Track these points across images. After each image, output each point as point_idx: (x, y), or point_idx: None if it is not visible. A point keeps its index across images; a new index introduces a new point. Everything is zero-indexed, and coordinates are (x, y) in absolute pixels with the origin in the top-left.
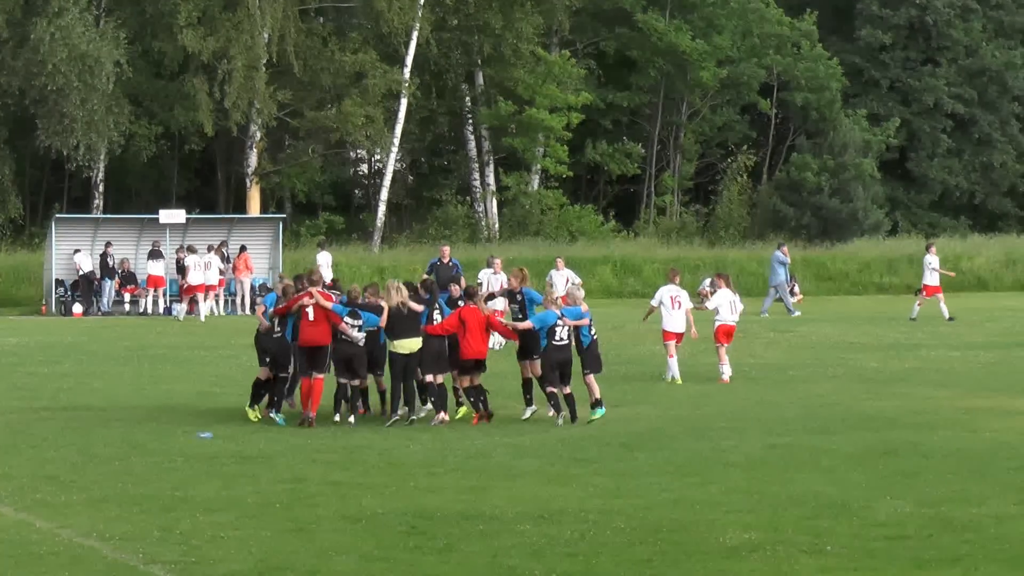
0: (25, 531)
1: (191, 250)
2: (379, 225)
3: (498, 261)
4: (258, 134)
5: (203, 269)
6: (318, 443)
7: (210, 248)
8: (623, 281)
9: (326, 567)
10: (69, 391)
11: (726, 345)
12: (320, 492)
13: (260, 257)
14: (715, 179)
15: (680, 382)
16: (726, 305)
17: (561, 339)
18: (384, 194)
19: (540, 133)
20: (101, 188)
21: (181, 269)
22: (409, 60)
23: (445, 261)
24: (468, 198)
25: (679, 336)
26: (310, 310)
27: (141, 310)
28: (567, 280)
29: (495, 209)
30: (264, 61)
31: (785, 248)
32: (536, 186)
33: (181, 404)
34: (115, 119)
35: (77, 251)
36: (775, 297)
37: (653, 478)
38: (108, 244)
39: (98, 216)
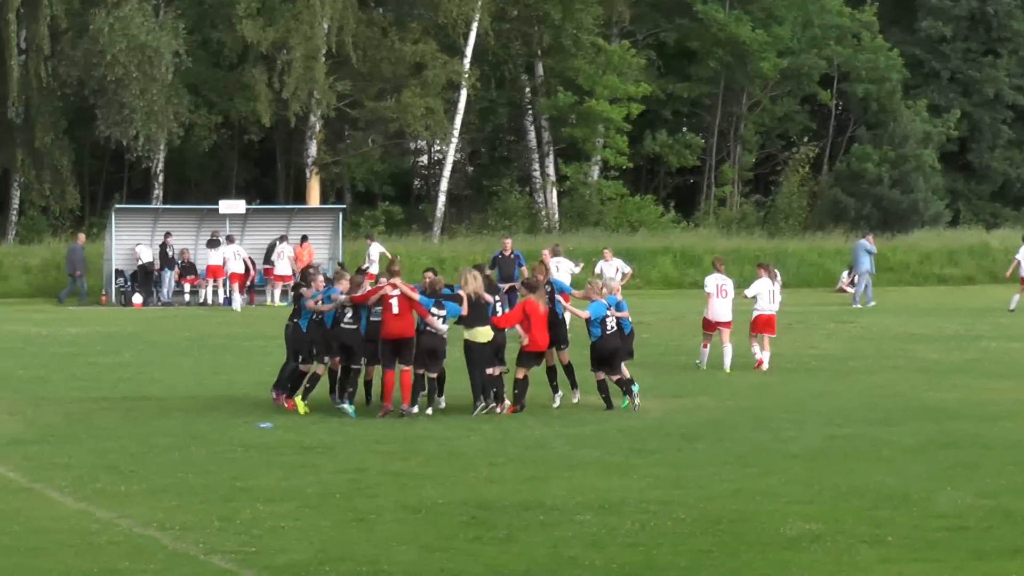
0: (85, 521)
1: (230, 240)
2: (439, 216)
3: (561, 249)
4: (317, 124)
5: (240, 259)
6: (378, 433)
7: (229, 240)
8: (683, 272)
9: (386, 557)
10: (129, 381)
11: (766, 335)
12: (380, 482)
13: (320, 247)
14: (775, 170)
15: (704, 368)
16: (765, 294)
17: (611, 328)
18: (444, 184)
19: (600, 124)
20: (161, 178)
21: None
22: (469, 51)
23: (507, 254)
24: (528, 188)
25: (726, 324)
26: (394, 302)
27: (201, 300)
28: (616, 270)
29: (555, 199)
30: (323, 51)
31: (871, 236)
32: (596, 176)
33: (241, 394)
34: (174, 109)
35: (139, 244)
36: (865, 284)
37: (713, 469)
38: (167, 234)
39: (158, 206)
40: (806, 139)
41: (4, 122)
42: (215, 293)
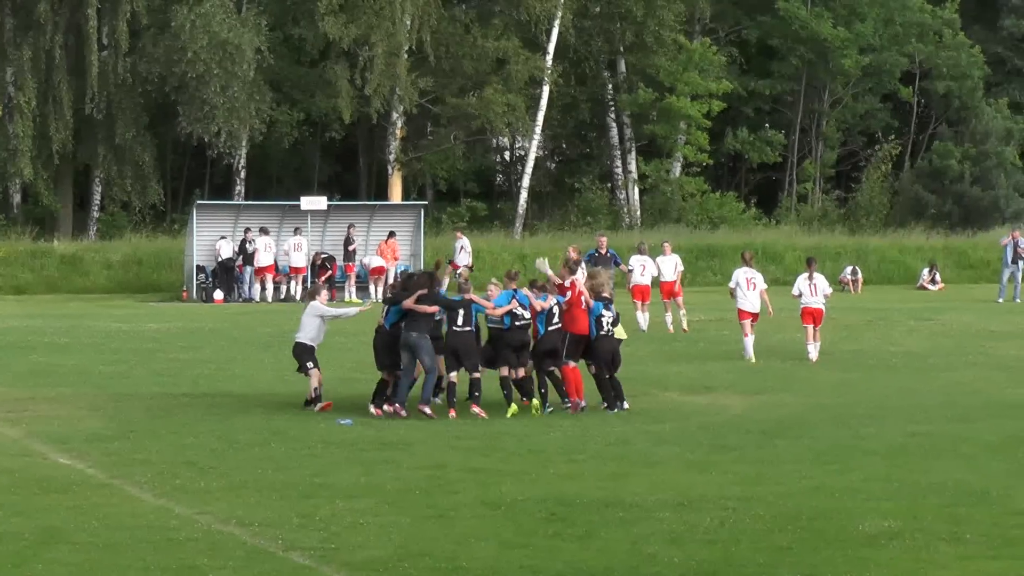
0: (164, 517)
1: (263, 232)
2: (520, 212)
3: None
4: (399, 121)
5: (272, 251)
6: (458, 430)
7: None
8: (765, 268)
9: (466, 553)
10: (209, 377)
11: (812, 327)
12: (460, 479)
13: (403, 244)
14: (857, 166)
15: (754, 361)
16: (806, 288)
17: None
18: (526, 181)
19: (681, 121)
20: (242, 174)
21: (244, 251)
22: (551, 47)
23: (603, 252)
24: (609, 185)
25: (754, 316)
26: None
27: (283, 296)
28: (675, 266)
29: (636, 196)
30: (405, 48)
31: (1017, 233)
32: (677, 173)
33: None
34: (256, 106)
35: (223, 238)
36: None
37: (793, 466)
38: (247, 230)
39: (239, 202)
40: (891, 136)
41: (85, 118)
42: (263, 288)
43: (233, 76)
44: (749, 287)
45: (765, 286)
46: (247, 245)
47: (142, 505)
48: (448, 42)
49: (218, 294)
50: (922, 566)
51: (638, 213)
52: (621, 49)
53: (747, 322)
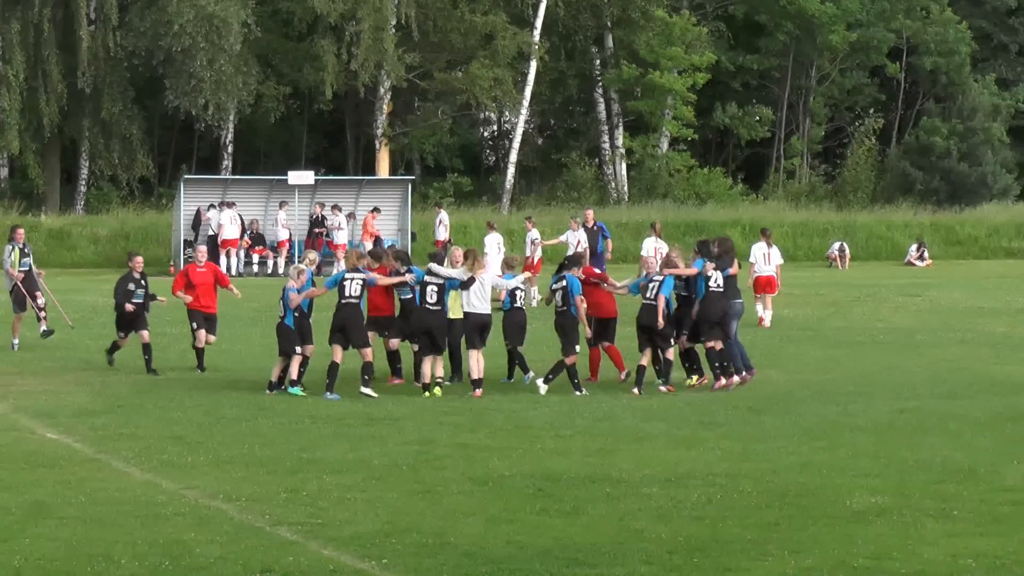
0: (152, 492)
1: (229, 205)
2: (508, 187)
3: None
4: (387, 96)
5: (237, 224)
6: (445, 405)
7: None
8: (752, 244)
9: (453, 529)
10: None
11: (768, 295)
12: (447, 454)
13: (390, 219)
14: (844, 143)
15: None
16: (760, 257)
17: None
18: (513, 156)
19: (666, 96)
20: (230, 149)
21: (198, 222)
22: (539, 22)
23: (590, 225)
24: (597, 160)
25: (769, 281)
26: None
27: (270, 271)
28: (654, 250)
29: (624, 172)
30: (392, 23)
31: None
32: (665, 149)
33: (309, 366)
34: (244, 79)
35: (212, 207)
36: None
37: (780, 442)
38: (233, 205)
39: (227, 177)
40: (873, 111)
41: (74, 93)
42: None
43: (220, 50)
44: (766, 261)
45: (781, 261)
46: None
47: (129, 480)
48: (435, 17)
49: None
50: (910, 543)
51: (625, 188)
52: (608, 24)
53: (765, 295)
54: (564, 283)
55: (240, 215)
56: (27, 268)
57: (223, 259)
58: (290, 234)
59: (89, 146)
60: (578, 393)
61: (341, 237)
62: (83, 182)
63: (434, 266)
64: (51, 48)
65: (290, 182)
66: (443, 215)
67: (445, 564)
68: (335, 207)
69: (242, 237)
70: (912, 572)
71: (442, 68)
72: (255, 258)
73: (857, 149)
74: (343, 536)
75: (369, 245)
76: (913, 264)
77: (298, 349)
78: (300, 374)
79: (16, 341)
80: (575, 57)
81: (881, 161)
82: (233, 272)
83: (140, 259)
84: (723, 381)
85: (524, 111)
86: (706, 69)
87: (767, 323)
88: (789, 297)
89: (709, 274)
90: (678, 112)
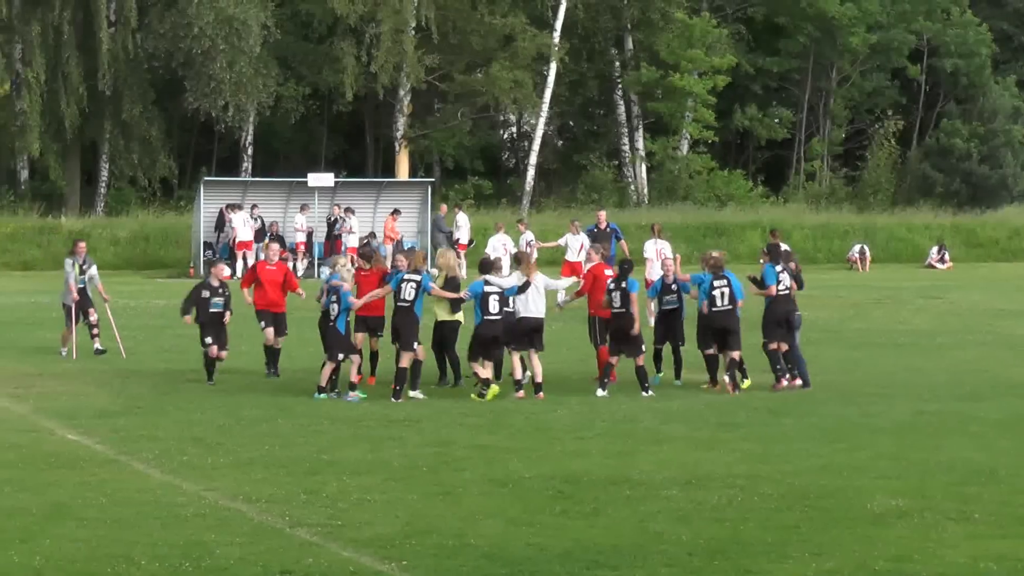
0: (172, 493)
1: (237, 208)
2: (527, 189)
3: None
4: (406, 98)
5: (251, 226)
6: (465, 407)
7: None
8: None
9: (472, 531)
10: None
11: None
12: (467, 456)
13: (409, 221)
14: (864, 145)
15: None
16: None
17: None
18: (533, 158)
19: (687, 98)
20: (250, 151)
21: (221, 225)
22: (559, 24)
23: (602, 227)
24: (617, 162)
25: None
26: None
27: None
28: (656, 251)
29: (644, 174)
30: (412, 25)
31: None
32: (685, 151)
33: (300, 364)
34: (263, 81)
35: (230, 206)
36: None
37: (801, 444)
38: (254, 207)
39: (246, 179)
40: (892, 113)
41: (94, 95)
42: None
43: (239, 52)
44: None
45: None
46: (252, 222)
47: (149, 481)
48: (455, 19)
49: (225, 271)
50: (930, 545)
51: (645, 191)
52: (628, 26)
53: None
54: (625, 286)
55: (261, 216)
56: (82, 285)
57: (239, 261)
58: (308, 236)
59: (109, 148)
60: (645, 394)
61: (351, 240)
62: (103, 184)
63: (491, 277)
64: (71, 50)
65: (310, 184)
66: (461, 216)
67: (465, 566)
68: (348, 209)
69: (261, 239)
70: (933, 574)
71: (462, 70)
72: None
73: (877, 151)
74: (363, 537)
75: (389, 248)
76: (934, 266)
77: (340, 356)
78: (332, 380)
79: (64, 350)
80: (595, 59)
81: (901, 163)
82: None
83: (223, 267)
84: (783, 383)
85: (544, 113)
86: (726, 72)
87: None
88: (809, 299)
89: (780, 276)
90: (698, 114)
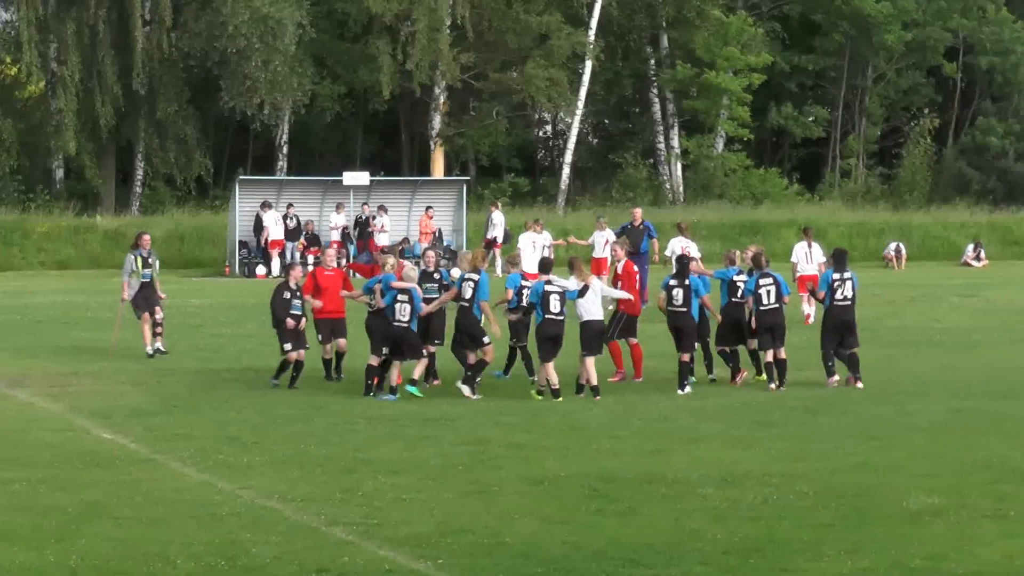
0: (207, 492)
1: (267, 206)
2: (563, 187)
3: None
4: (441, 96)
5: (281, 225)
6: (500, 405)
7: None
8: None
9: (507, 530)
10: (252, 352)
11: (808, 293)
12: (502, 454)
13: (445, 219)
14: (900, 143)
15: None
16: (803, 256)
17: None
18: (568, 156)
19: (722, 96)
20: (285, 150)
21: (259, 226)
22: (594, 22)
23: (636, 224)
24: (652, 160)
25: (812, 279)
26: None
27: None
28: (681, 248)
29: (679, 172)
30: (448, 23)
31: None
32: (720, 149)
33: (364, 366)
34: (298, 79)
35: (263, 205)
36: None
37: (836, 442)
38: (290, 206)
39: (282, 178)
40: (928, 111)
41: (129, 94)
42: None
43: (275, 51)
44: (807, 260)
45: (823, 259)
46: (287, 221)
47: (184, 480)
48: (490, 17)
49: (261, 269)
50: (966, 543)
51: (680, 189)
52: (663, 24)
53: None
54: (688, 283)
55: (296, 216)
56: (148, 279)
57: (274, 260)
58: (344, 235)
59: (144, 147)
60: (681, 391)
61: (383, 239)
62: (138, 183)
63: (553, 277)
64: (106, 49)
65: (345, 183)
66: (497, 215)
67: (500, 564)
68: (381, 207)
69: (296, 238)
70: (968, 573)
71: (497, 68)
72: (310, 259)
73: (913, 149)
74: (398, 536)
75: (425, 246)
76: (969, 264)
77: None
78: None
79: (150, 349)
80: (630, 57)
81: (937, 161)
82: (277, 273)
83: (299, 270)
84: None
85: (579, 111)
86: (761, 70)
87: (812, 319)
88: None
89: (835, 286)
90: (733, 112)
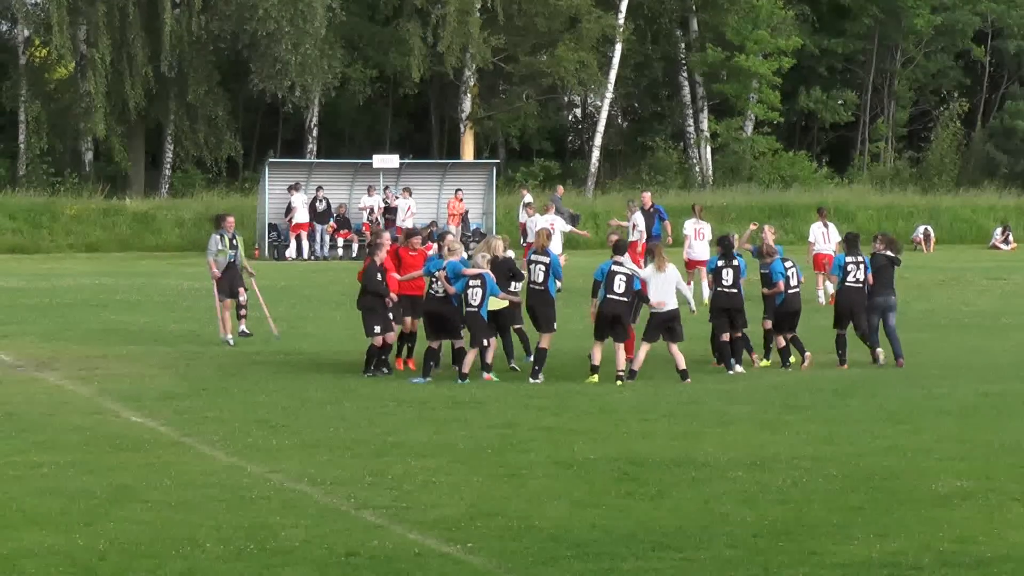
0: (237, 475)
1: (296, 188)
2: (592, 171)
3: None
4: (472, 79)
5: (307, 207)
6: (530, 388)
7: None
8: (837, 228)
9: (538, 512)
10: (282, 335)
11: (823, 273)
12: (532, 437)
13: (474, 202)
14: (928, 126)
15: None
16: (819, 236)
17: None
18: (598, 139)
19: (751, 79)
20: (315, 132)
21: (314, 209)
22: (624, 5)
23: (647, 207)
24: (681, 144)
25: (828, 259)
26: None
27: (355, 255)
28: (695, 231)
29: (708, 155)
30: (478, 6)
31: None
32: (750, 132)
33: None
34: (329, 62)
35: (291, 187)
36: None
37: (865, 425)
38: (319, 188)
39: (311, 160)
40: (958, 95)
41: (158, 76)
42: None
43: (305, 34)
44: (824, 240)
45: (839, 238)
46: (316, 204)
47: (214, 463)
48: (520, 0)
49: (290, 251)
50: (995, 526)
51: (710, 172)
52: (693, 7)
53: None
54: (737, 263)
55: (327, 198)
56: (232, 260)
57: (294, 243)
58: (369, 217)
59: (175, 129)
60: (731, 372)
61: (410, 222)
62: (168, 165)
63: (621, 259)
64: (136, 31)
65: (375, 166)
66: (528, 197)
67: (530, 548)
68: (406, 190)
69: (326, 221)
70: (997, 556)
71: (527, 51)
72: (339, 241)
73: (942, 133)
74: (428, 519)
75: (455, 228)
76: (998, 247)
77: (484, 341)
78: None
79: (229, 337)
80: (660, 40)
81: (966, 144)
82: (306, 255)
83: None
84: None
85: (609, 94)
86: (791, 53)
87: (824, 300)
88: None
89: (849, 268)
90: (763, 95)
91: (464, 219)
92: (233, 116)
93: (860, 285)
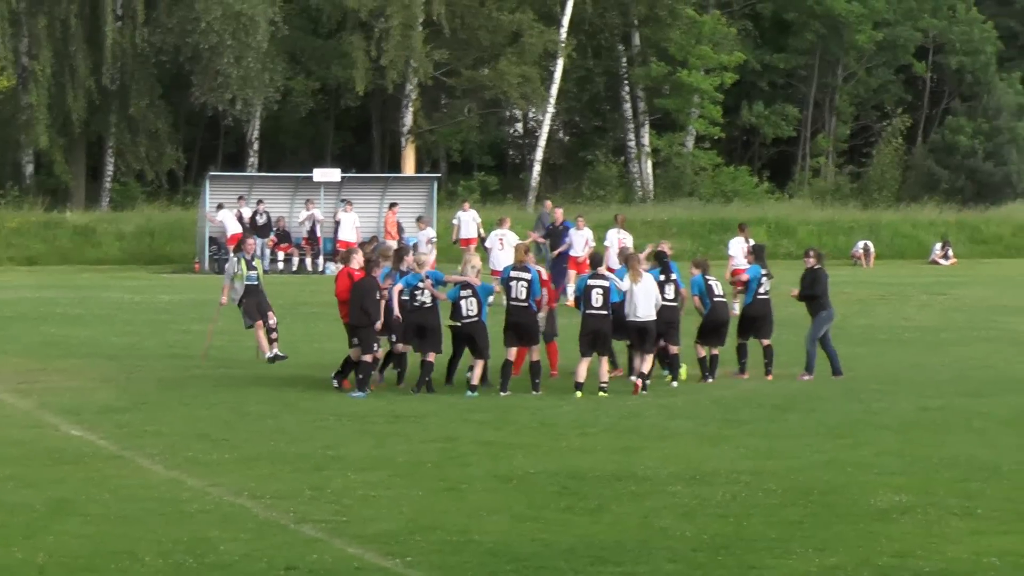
0: (176, 489)
1: (220, 207)
2: (533, 185)
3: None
4: (414, 93)
5: (236, 219)
6: (470, 403)
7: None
8: (777, 242)
9: (477, 527)
10: (221, 349)
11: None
12: (471, 452)
13: (415, 217)
14: (870, 141)
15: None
16: (738, 252)
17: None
18: (539, 154)
19: (694, 95)
20: (256, 146)
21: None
22: (566, 20)
23: (558, 224)
24: (623, 158)
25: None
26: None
27: (294, 268)
28: (618, 240)
29: (649, 169)
30: (421, 20)
31: None
32: (691, 147)
33: (333, 362)
34: (270, 75)
35: (220, 207)
36: None
37: (805, 440)
38: (259, 202)
39: (252, 174)
40: (900, 110)
41: (100, 89)
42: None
43: (247, 47)
44: (744, 256)
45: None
46: (257, 217)
47: (154, 477)
48: (463, 14)
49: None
50: (934, 540)
51: (651, 186)
52: (635, 22)
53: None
54: (674, 277)
55: (267, 212)
56: (254, 282)
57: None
58: (312, 231)
59: (115, 142)
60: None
61: (348, 234)
62: (108, 178)
63: (603, 271)
64: (78, 44)
65: (315, 179)
66: (472, 213)
67: (469, 562)
68: (346, 201)
69: (267, 234)
70: (936, 570)
71: (469, 65)
72: (280, 255)
73: (883, 148)
74: (367, 533)
75: (393, 244)
76: (938, 263)
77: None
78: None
79: (269, 354)
80: (602, 55)
81: (906, 160)
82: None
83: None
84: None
85: (550, 109)
86: (734, 68)
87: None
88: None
89: (762, 281)
90: (705, 111)
91: (400, 231)
92: (175, 129)
93: (768, 297)
